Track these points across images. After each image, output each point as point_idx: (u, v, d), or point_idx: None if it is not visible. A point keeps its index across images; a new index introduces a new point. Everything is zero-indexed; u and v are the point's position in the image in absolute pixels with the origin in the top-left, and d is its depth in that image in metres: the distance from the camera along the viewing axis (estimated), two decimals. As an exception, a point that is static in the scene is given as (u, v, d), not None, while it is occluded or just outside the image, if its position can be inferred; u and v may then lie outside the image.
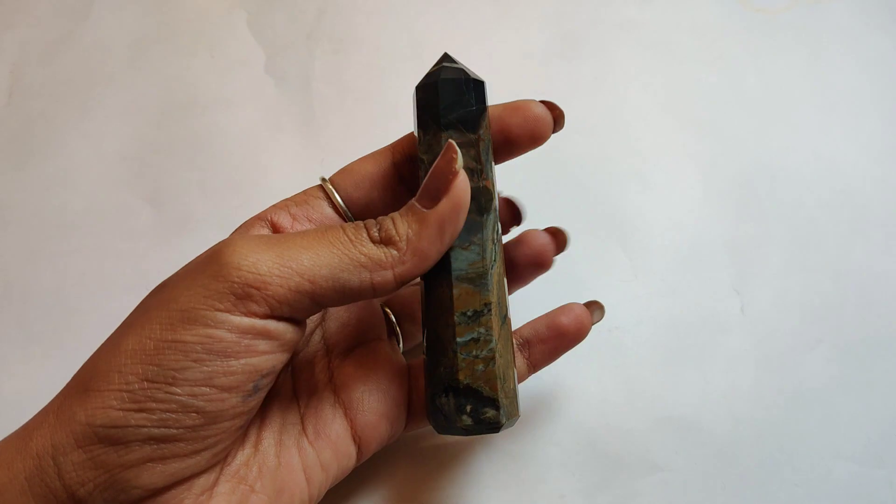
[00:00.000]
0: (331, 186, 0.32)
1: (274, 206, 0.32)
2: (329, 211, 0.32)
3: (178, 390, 0.25)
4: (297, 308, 0.27)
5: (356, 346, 0.34)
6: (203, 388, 0.25)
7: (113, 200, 0.45)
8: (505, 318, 0.31)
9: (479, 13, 0.50)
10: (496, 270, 0.31)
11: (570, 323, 0.34)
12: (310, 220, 0.31)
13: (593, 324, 0.35)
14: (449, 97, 0.31)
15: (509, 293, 0.34)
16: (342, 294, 0.27)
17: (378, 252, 0.28)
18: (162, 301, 0.26)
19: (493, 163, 0.31)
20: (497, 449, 0.37)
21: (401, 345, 0.36)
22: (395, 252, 0.28)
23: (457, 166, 0.29)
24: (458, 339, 0.30)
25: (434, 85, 0.31)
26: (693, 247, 0.42)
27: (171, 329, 0.25)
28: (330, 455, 0.31)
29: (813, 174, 0.44)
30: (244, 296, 0.26)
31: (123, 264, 0.43)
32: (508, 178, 0.39)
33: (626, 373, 0.39)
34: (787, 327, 0.40)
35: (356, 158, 0.33)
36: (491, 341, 0.30)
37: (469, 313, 0.30)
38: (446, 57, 0.32)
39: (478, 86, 0.31)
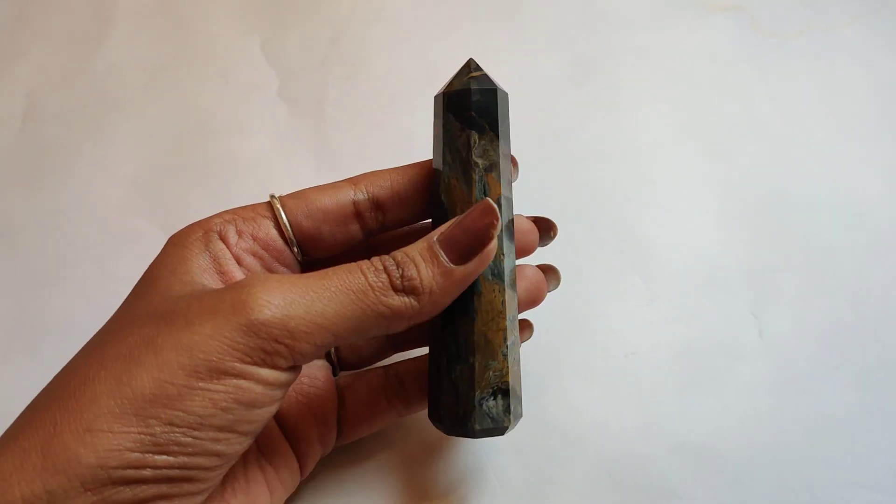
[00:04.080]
0: (280, 208, 0.32)
1: (220, 215, 0.31)
2: (274, 233, 0.32)
3: (202, 435, 0.25)
4: (314, 358, 0.27)
5: None
6: (227, 434, 0.26)
7: (126, 225, 0.45)
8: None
9: (492, 40, 0.50)
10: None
11: (522, 294, 0.34)
12: (254, 239, 0.31)
13: (549, 292, 0.35)
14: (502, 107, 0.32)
15: None
16: (356, 339, 0.28)
17: (400, 304, 0.28)
18: (180, 345, 0.25)
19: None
20: (511, 476, 0.37)
21: (336, 368, 0.36)
22: (415, 304, 0.28)
23: (494, 232, 0.29)
24: (508, 342, 0.30)
25: (493, 92, 0.31)
26: (709, 272, 0.42)
27: (198, 377, 0.25)
28: (286, 470, 0.32)
29: (829, 198, 0.43)
30: (273, 352, 0.26)
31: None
32: (525, 202, 0.39)
33: (643, 399, 0.39)
34: (805, 352, 0.39)
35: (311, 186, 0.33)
36: (517, 341, 0.32)
37: (512, 316, 0.31)
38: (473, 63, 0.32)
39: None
